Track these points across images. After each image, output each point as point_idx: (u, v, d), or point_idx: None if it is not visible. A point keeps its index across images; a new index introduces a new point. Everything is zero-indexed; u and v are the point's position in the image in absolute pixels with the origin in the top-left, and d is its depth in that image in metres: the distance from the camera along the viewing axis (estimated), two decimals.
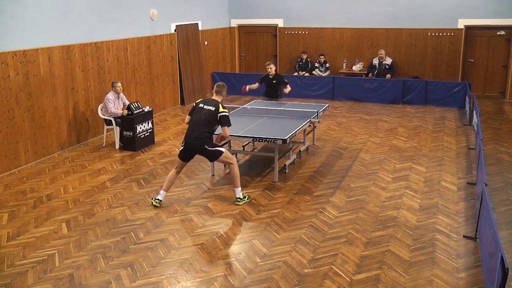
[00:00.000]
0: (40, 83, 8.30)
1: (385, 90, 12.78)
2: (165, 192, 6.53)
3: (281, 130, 7.24)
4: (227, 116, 6.26)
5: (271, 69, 9.34)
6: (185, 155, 6.40)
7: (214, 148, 6.28)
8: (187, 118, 6.57)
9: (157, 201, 6.48)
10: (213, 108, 6.24)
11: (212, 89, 6.77)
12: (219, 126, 6.39)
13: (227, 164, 6.57)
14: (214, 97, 6.45)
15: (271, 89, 9.52)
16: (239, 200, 6.49)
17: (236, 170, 6.39)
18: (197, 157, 8.40)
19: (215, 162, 7.67)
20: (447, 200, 6.55)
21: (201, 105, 6.37)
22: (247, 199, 6.56)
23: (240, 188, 6.50)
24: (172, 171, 6.52)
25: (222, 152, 6.32)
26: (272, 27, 15.09)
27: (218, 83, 6.56)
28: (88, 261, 5.11)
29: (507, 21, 12.56)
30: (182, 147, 6.37)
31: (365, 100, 12.94)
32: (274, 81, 9.41)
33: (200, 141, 6.21)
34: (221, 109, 6.23)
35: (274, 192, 6.88)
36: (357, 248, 5.29)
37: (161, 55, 11.78)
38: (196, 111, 6.39)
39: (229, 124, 6.28)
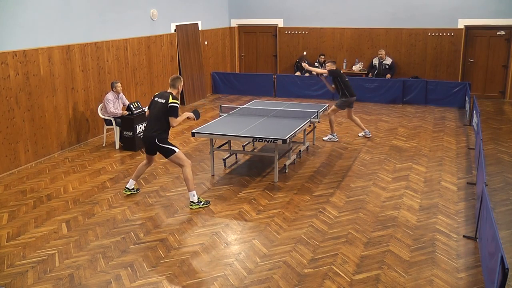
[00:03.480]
0: (40, 83, 8.30)
1: (385, 90, 12.79)
2: (134, 181, 6.77)
3: (281, 130, 7.24)
4: (176, 107, 6.12)
5: (328, 67, 9.29)
6: (146, 149, 6.49)
7: (164, 145, 6.20)
8: (147, 112, 6.52)
9: (126, 189, 6.77)
10: (163, 101, 6.14)
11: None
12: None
13: (178, 165, 6.38)
14: (169, 90, 6.33)
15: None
16: (192, 204, 6.35)
17: (187, 173, 6.22)
18: (197, 157, 8.45)
19: (215, 162, 7.71)
20: (447, 200, 6.55)
21: (155, 98, 6.30)
22: (204, 204, 6.39)
23: (194, 192, 6.35)
24: (142, 162, 6.68)
25: (174, 152, 6.20)
26: (272, 27, 15.09)
27: (172, 76, 6.41)
28: (88, 261, 5.11)
29: (507, 21, 12.57)
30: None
31: (365, 100, 12.92)
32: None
33: (151, 136, 6.18)
34: (170, 100, 6.10)
35: (274, 192, 6.88)
36: (357, 248, 5.28)
37: (161, 55, 11.78)
38: (151, 105, 6.34)
39: (175, 115, 6.12)
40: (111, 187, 7.19)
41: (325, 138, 9.44)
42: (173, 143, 6.35)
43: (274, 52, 15.32)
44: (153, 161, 6.69)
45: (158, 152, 6.35)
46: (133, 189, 6.83)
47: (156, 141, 6.16)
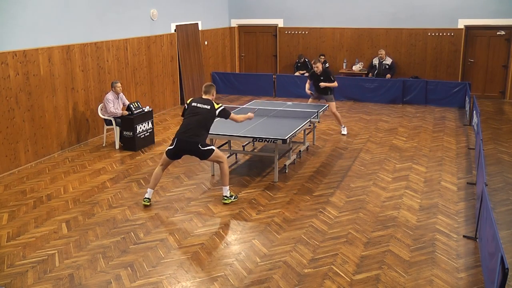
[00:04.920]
0: (40, 83, 8.30)
1: (385, 90, 12.79)
2: (152, 190, 6.50)
3: (281, 130, 7.24)
4: (225, 108, 6.33)
5: (318, 68, 9.48)
6: (175, 154, 6.31)
7: (206, 148, 6.21)
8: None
9: (146, 200, 6.46)
10: (208, 107, 6.22)
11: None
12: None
13: (217, 162, 6.46)
14: (205, 96, 6.40)
15: (319, 86, 9.67)
16: (225, 198, 6.49)
17: (226, 168, 6.37)
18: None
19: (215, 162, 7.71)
20: (447, 200, 6.55)
21: (194, 104, 6.28)
22: (234, 198, 6.56)
23: (228, 187, 6.50)
24: (158, 168, 6.43)
25: (213, 150, 6.26)
26: (272, 27, 15.09)
27: (206, 83, 6.53)
28: (88, 261, 5.11)
29: (507, 21, 12.57)
30: (173, 146, 6.23)
31: (365, 100, 12.93)
32: (322, 78, 9.54)
33: (194, 141, 6.13)
34: (217, 106, 6.26)
35: (274, 192, 6.88)
36: (357, 248, 5.29)
37: (161, 55, 11.78)
38: (189, 110, 6.30)
39: (229, 114, 6.40)
40: (111, 187, 7.19)
41: (344, 132, 9.80)
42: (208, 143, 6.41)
43: (274, 52, 15.32)
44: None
45: (190, 155, 6.33)
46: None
47: (200, 146, 6.14)
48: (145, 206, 6.44)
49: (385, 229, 5.71)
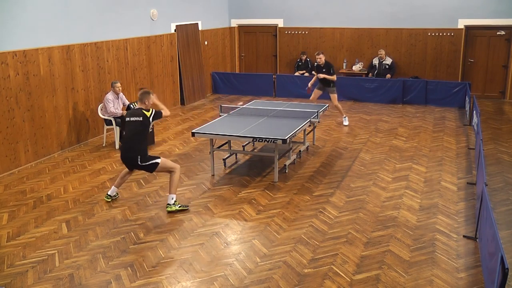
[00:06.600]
0: (40, 83, 8.30)
1: (385, 90, 12.78)
2: (116, 188, 6.64)
3: (281, 130, 7.24)
4: (157, 112, 6.20)
5: (321, 59, 9.92)
6: (126, 166, 6.36)
7: (148, 163, 6.08)
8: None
9: (107, 196, 6.62)
10: (140, 118, 6.04)
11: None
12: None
13: (168, 172, 6.31)
14: (139, 105, 6.22)
15: (323, 78, 10.05)
16: (168, 206, 6.25)
17: (176, 178, 6.19)
18: (197, 157, 8.45)
19: (214, 162, 7.71)
20: (447, 200, 6.55)
21: (127, 118, 6.17)
22: (181, 207, 6.28)
23: (174, 196, 6.24)
24: (125, 170, 6.54)
25: (157, 164, 6.10)
26: (272, 27, 15.09)
27: (142, 90, 6.28)
28: (88, 261, 5.12)
29: (507, 21, 12.57)
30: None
31: (365, 100, 12.93)
32: (324, 70, 9.95)
33: (132, 155, 6.07)
34: (148, 114, 6.08)
35: (274, 192, 6.88)
36: (357, 248, 5.29)
37: (161, 55, 11.78)
38: (126, 125, 6.22)
39: (161, 115, 6.25)
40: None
41: (346, 123, 10.19)
42: (153, 155, 6.26)
43: (274, 52, 15.32)
44: None
45: (137, 169, 6.28)
46: (114, 196, 6.68)
47: (139, 162, 6.05)
48: (106, 201, 6.62)
49: (385, 229, 5.71)
